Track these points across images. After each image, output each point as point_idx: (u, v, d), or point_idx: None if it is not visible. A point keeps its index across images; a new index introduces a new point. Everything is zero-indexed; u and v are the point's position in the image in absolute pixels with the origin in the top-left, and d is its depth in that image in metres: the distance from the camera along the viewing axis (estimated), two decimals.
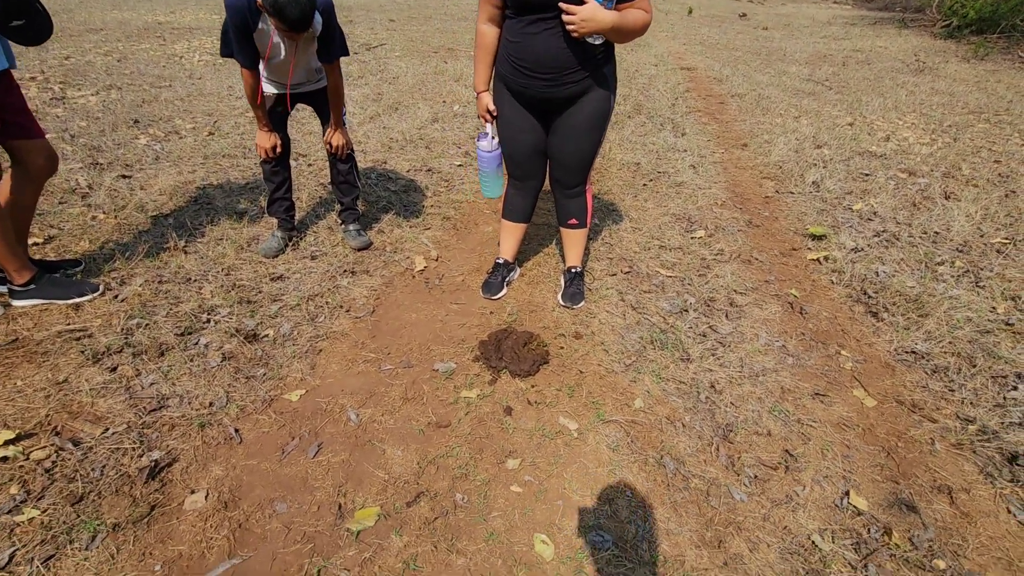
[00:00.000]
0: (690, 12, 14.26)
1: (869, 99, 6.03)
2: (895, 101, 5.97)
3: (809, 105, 5.73)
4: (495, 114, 2.09)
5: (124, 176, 3.09)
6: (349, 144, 2.53)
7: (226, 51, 2.13)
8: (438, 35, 8.91)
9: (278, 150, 2.41)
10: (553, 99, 1.94)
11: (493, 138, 2.14)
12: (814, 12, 15.85)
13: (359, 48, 7.21)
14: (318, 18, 2.08)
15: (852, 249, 2.95)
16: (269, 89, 2.36)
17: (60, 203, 2.76)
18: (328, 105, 2.41)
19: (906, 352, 2.22)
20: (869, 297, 2.56)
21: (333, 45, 2.20)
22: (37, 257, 2.29)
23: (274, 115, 2.41)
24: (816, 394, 1.99)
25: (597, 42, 1.80)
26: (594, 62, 1.88)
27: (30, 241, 2.41)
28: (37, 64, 5.09)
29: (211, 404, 1.72)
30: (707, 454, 1.72)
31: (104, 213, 2.70)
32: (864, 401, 1.98)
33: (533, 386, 1.93)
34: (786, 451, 1.74)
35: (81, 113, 3.97)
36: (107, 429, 1.59)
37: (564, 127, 2.02)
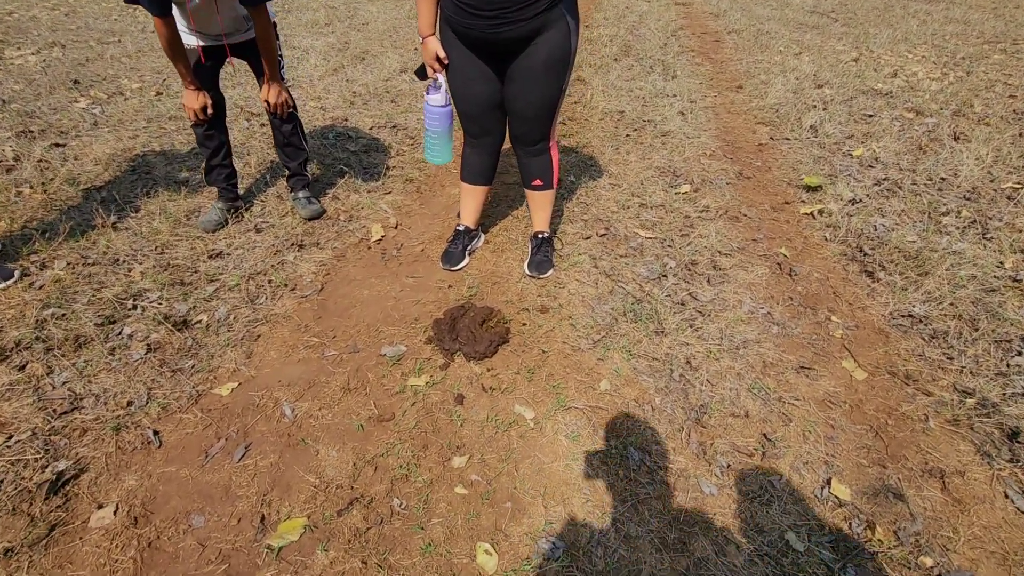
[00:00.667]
0: None
1: (877, 31, 5.60)
2: (905, 32, 5.54)
3: (812, 40, 5.32)
4: (446, 62, 1.83)
5: (57, 145, 2.84)
6: (290, 101, 2.28)
7: None
8: None
9: (209, 111, 2.16)
10: (501, 41, 1.68)
11: (446, 91, 1.89)
12: None
13: None
14: None
15: (849, 200, 2.72)
16: (192, 41, 2.09)
17: None
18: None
19: (902, 316, 2.03)
20: (865, 255, 2.35)
21: None
22: None
23: (202, 70, 2.15)
24: (801, 367, 1.82)
25: None
26: None
27: None
28: None
29: (130, 403, 1.56)
30: (677, 441, 1.56)
31: (31, 188, 2.47)
32: (853, 373, 1.81)
33: (489, 369, 1.76)
34: (764, 435, 1.58)
35: (17, 75, 3.67)
36: (10, 437, 1.44)
37: (518, 73, 1.77)
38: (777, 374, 1.79)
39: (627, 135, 3.39)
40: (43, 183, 2.50)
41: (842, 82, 4.21)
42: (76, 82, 3.61)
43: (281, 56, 2.22)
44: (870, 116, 3.66)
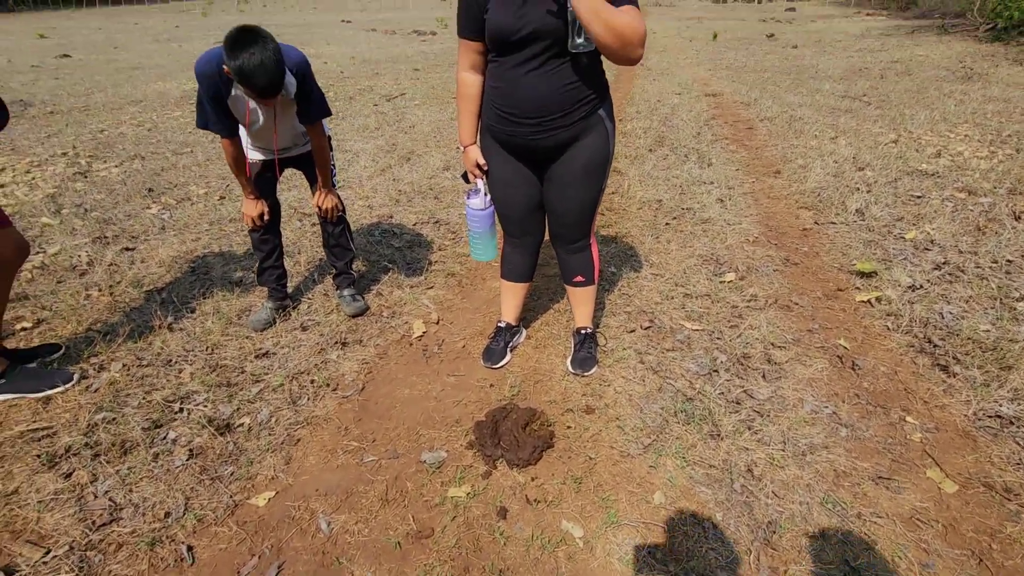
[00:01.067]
0: (715, 37, 14.07)
1: (913, 112, 5.60)
2: (943, 112, 5.52)
3: (847, 123, 5.36)
4: (485, 169, 1.90)
5: (127, 249, 3.06)
6: (340, 206, 2.40)
7: (201, 121, 2.03)
8: None
9: (266, 218, 2.30)
10: (542, 147, 1.74)
11: (486, 195, 1.95)
12: (846, 26, 15.39)
13: (379, 100, 7.31)
14: (291, 79, 1.97)
15: (909, 287, 2.58)
16: (255, 156, 2.26)
17: (58, 282, 2.72)
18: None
19: (989, 416, 1.84)
20: (935, 346, 2.19)
21: (311, 107, 2.08)
22: (22, 344, 2.22)
23: (262, 180, 2.31)
24: (879, 477, 1.64)
25: (581, 47, 1.52)
26: (585, 105, 1.67)
27: (18, 327, 2.35)
28: (71, 140, 5.32)
29: (167, 515, 1.53)
30: (744, 567, 1.40)
31: (99, 290, 2.63)
32: (942, 485, 1.61)
33: (533, 479, 1.66)
34: (845, 561, 1.40)
35: (100, 186, 4.04)
36: (47, 552, 1.42)
37: (558, 178, 1.81)
38: (852, 485, 1.62)
39: (666, 223, 3.40)
40: (111, 286, 2.67)
41: (884, 164, 4.17)
42: (150, 190, 3.95)
43: (334, 165, 2.36)
44: (918, 197, 3.57)
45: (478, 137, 1.90)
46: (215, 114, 1.99)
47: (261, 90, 1.80)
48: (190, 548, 1.45)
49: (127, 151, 4.99)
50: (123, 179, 4.19)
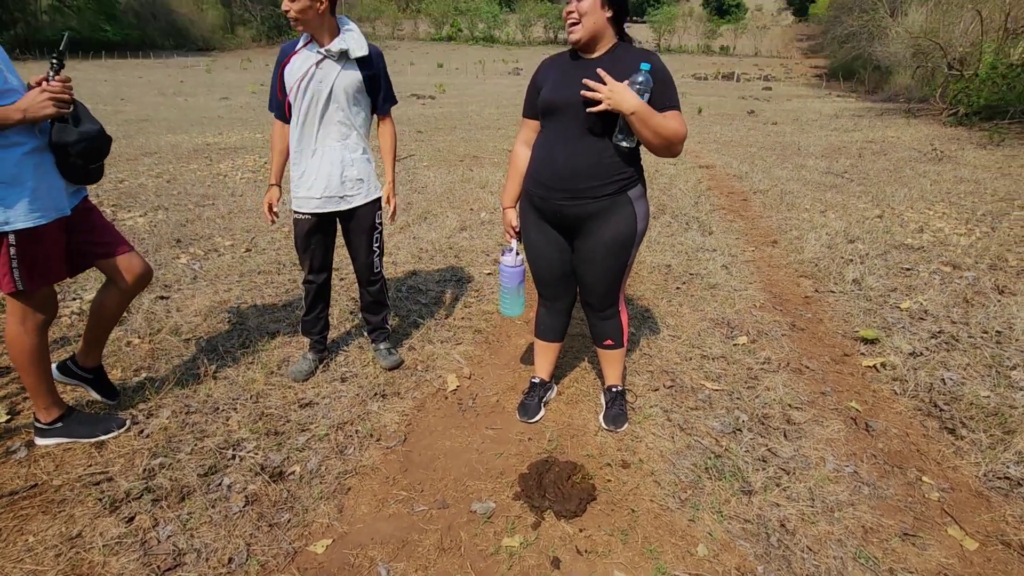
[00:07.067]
0: (700, 111, 15.00)
1: (893, 190, 6.03)
2: (920, 191, 5.96)
3: (834, 198, 5.75)
4: (518, 230, 2.11)
5: (162, 297, 3.15)
6: (378, 265, 2.52)
7: (270, 104, 2.32)
8: (463, 144, 9.44)
9: (276, 208, 2.38)
10: (571, 216, 1.90)
11: (518, 254, 2.15)
12: (819, 106, 16.54)
13: None
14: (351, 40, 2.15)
15: (910, 354, 2.77)
16: (303, 207, 2.32)
17: None
18: (363, 240, 2.44)
19: (998, 478, 1.97)
20: (941, 410, 2.34)
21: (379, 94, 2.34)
22: (69, 391, 2.26)
23: (314, 242, 2.35)
24: (905, 534, 1.75)
25: (624, 143, 1.78)
26: (616, 183, 1.84)
27: None
28: (93, 189, 5.46)
29: (230, 560, 1.57)
30: None
31: (139, 338, 2.71)
32: (963, 543, 1.72)
33: (581, 530, 1.73)
34: None
35: (128, 235, 4.16)
36: None
37: (584, 251, 1.97)
38: (881, 541, 1.72)
39: (677, 288, 3.59)
40: (150, 334, 2.74)
41: (872, 237, 4.48)
42: (178, 240, 4.08)
43: (381, 233, 2.51)
44: (908, 269, 3.83)
45: (518, 203, 2.12)
46: (273, 89, 2.23)
47: None
48: None
49: (150, 202, 5.14)
50: (150, 230, 4.32)
